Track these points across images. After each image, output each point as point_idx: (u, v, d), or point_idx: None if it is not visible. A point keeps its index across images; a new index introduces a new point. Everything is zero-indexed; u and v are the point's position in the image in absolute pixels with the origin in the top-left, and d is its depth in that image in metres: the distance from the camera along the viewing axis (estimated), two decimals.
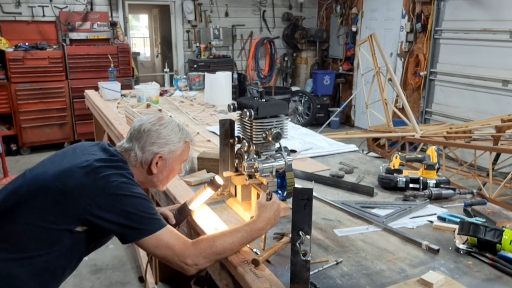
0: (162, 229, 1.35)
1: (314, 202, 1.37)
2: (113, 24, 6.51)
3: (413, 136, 4.37)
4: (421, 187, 1.90)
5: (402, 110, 5.18)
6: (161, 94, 4.22)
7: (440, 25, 6.16)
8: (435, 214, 1.70)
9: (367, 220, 1.65)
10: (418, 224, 1.63)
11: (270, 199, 1.48)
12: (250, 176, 1.62)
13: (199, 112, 3.54)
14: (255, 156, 1.62)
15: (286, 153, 1.66)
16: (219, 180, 1.65)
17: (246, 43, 8.06)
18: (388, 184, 1.95)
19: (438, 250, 1.41)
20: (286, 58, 8.43)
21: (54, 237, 1.33)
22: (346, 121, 8.10)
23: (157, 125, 1.55)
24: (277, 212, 1.46)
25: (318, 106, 7.69)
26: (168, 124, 1.57)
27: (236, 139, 1.70)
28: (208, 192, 1.66)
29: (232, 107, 1.67)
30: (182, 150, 1.57)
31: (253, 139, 1.58)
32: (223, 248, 1.36)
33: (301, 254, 1.16)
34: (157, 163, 1.53)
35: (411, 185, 1.92)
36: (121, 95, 4.22)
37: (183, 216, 1.66)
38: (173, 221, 1.64)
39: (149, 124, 1.54)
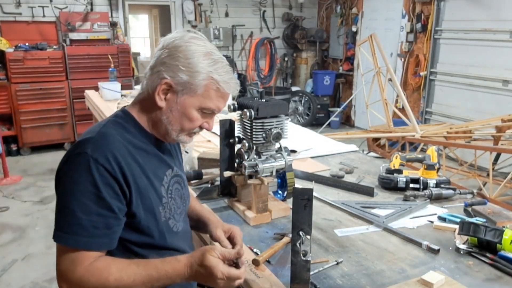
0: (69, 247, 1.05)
1: (314, 202, 1.37)
2: (113, 24, 6.51)
3: (413, 136, 4.37)
4: (421, 187, 1.90)
5: (402, 110, 5.18)
6: None
7: (440, 25, 6.16)
8: (435, 214, 1.70)
9: (367, 220, 1.65)
10: (418, 224, 1.63)
11: (236, 267, 1.09)
12: (251, 176, 1.62)
13: None
14: (255, 156, 1.62)
15: (286, 153, 1.66)
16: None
17: (246, 43, 8.06)
18: (388, 184, 1.95)
19: (438, 250, 1.41)
20: (286, 58, 8.43)
21: None
22: (346, 121, 8.10)
23: (179, 39, 1.12)
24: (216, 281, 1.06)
25: (318, 106, 7.69)
26: (197, 44, 1.12)
27: (236, 139, 1.70)
28: None
29: (232, 107, 1.67)
30: (204, 89, 1.12)
31: (253, 139, 1.58)
32: (116, 287, 1.05)
33: (301, 254, 1.16)
34: (165, 93, 1.13)
35: (411, 185, 1.92)
36: (121, 95, 4.21)
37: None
38: (229, 246, 1.29)
39: (172, 38, 1.13)
